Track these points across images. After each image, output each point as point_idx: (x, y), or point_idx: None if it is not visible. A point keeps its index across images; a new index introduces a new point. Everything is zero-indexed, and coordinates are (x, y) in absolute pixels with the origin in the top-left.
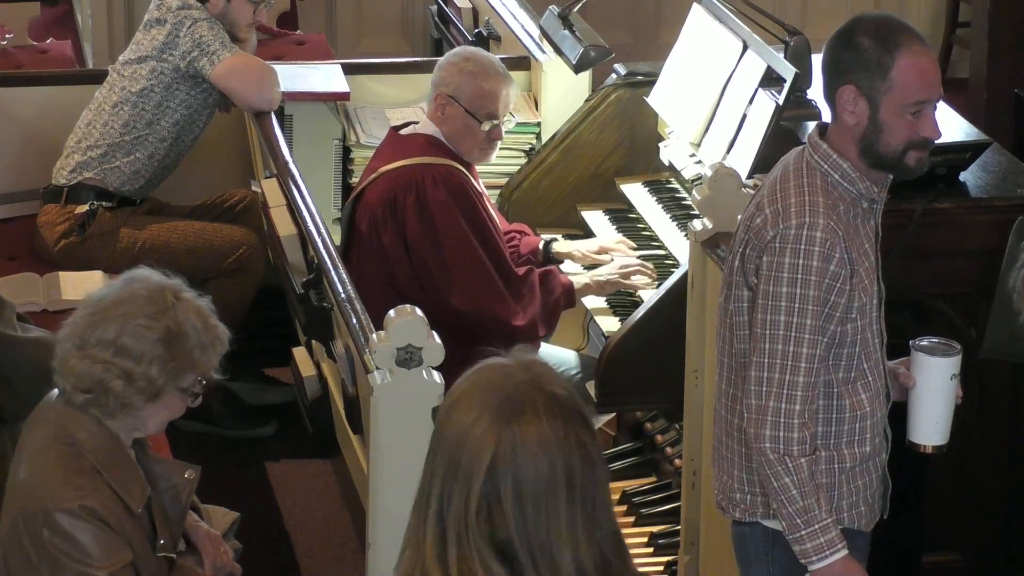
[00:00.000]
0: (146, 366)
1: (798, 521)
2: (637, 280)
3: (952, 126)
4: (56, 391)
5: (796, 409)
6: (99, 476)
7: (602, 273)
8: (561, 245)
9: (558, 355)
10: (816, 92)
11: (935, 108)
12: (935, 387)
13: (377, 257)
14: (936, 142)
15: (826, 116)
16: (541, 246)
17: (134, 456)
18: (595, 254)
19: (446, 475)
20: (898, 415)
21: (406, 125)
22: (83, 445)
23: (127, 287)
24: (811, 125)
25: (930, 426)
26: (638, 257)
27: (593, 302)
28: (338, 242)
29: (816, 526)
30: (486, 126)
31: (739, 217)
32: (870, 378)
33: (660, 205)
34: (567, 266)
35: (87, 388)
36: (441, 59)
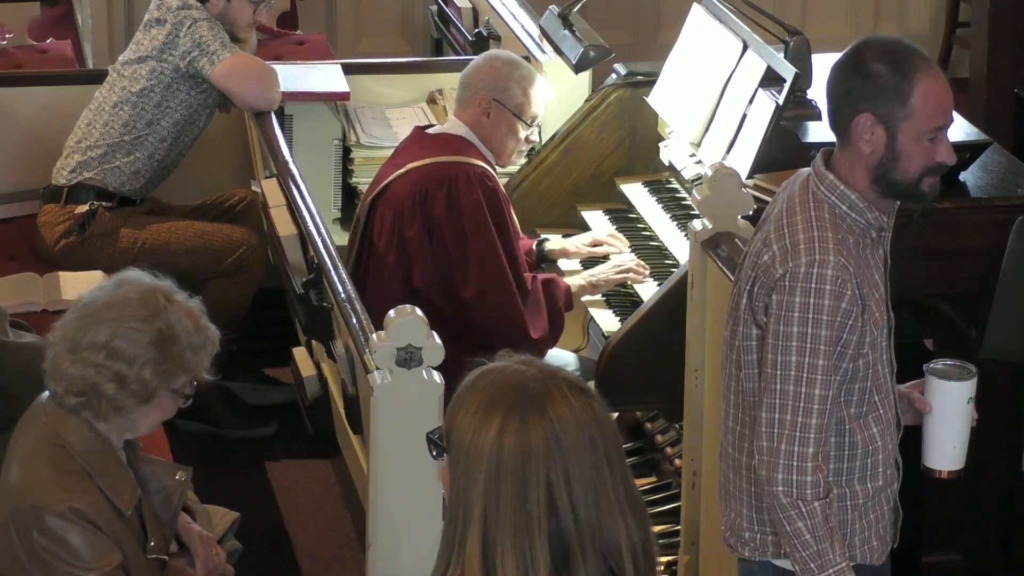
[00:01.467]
0: (139, 369)
1: (812, 566)
2: (632, 276)
3: (952, 126)
4: (47, 393)
5: (809, 452)
6: (89, 478)
7: (596, 273)
8: (554, 243)
9: (559, 357)
10: (815, 92)
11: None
12: (951, 412)
13: (397, 254)
14: None
15: (819, 126)
16: (535, 246)
17: (124, 458)
18: (588, 247)
19: (487, 486)
20: (906, 438)
21: (431, 126)
22: (73, 447)
23: (118, 290)
24: (811, 125)
25: (947, 451)
26: (632, 253)
27: (593, 302)
28: (339, 242)
29: (830, 570)
30: (525, 130)
31: (738, 221)
32: (881, 410)
33: (660, 205)
34: (563, 264)
35: (79, 391)
36: (479, 63)
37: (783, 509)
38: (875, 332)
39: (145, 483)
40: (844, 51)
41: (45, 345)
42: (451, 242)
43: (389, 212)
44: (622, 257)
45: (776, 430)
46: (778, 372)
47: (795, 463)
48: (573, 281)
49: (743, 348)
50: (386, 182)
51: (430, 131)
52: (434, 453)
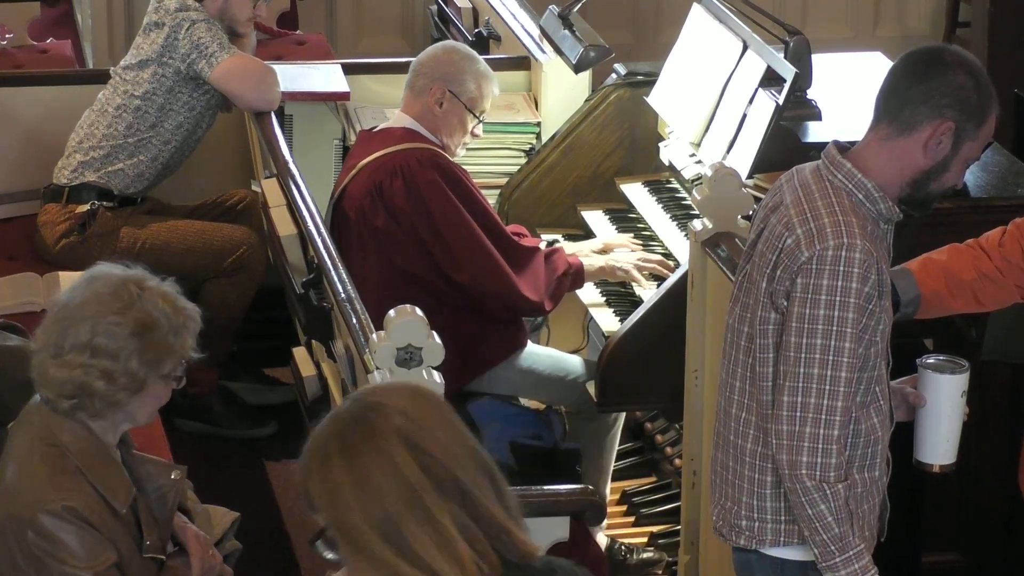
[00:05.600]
0: (124, 361)
1: (833, 548)
2: (650, 278)
3: None
4: (39, 396)
5: (835, 434)
6: (83, 477)
7: (619, 259)
8: (565, 247)
9: (566, 362)
10: (815, 92)
11: None
12: (945, 406)
13: (372, 248)
14: None
15: (825, 118)
16: (543, 247)
17: (119, 457)
18: (598, 252)
19: (361, 500)
20: (895, 435)
21: (374, 128)
22: (67, 446)
23: (90, 287)
24: (811, 125)
25: (940, 445)
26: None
27: (593, 302)
28: None
29: (851, 552)
30: (474, 123)
31: (752, 233)
32: (881, 402)
33: (660, 205)
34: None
35: (70, 394)
36: (437, 52)
37: (806, 492)
38: (886, 321)
39: (141, 482)
40: (922, 49)
41: (31, 347)
42: (423, 228)
43: (352, 210)
44: (647, 254)
45: (799, 413)
46: (802, 355)
47: (820, 446)
48: (591, 261)
49: (759, 332)
50: (342, 186)
51: (374, 130)
52: (327, 554)
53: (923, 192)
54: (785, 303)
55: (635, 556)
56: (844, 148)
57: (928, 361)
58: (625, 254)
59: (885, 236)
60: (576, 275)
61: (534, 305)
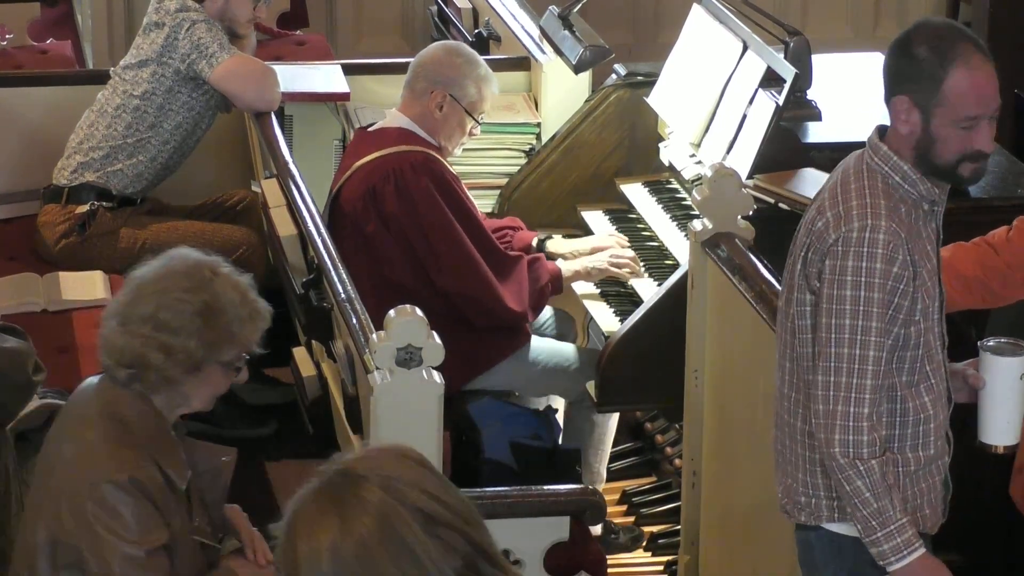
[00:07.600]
0: (184, 339)
1: (873, 523)
2: (625, 271)
3: None
4: (95, 378)
5: (865, 412)
6: (146, 451)
7: (591, 261)
8: (555, 244)
9: (560, 350)
10: (815, 93)
11: (993, 120)
12: (1005, 387)
13: (364, 253)
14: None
15: (825, 119)
16: (535, 243)
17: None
18: (588, 254)
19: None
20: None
21: (371, 125)
22: (131, 421)
23: (166, 264)
24: (811, 125)
25: (1002, 426)
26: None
27: (593, 302)
28: None
29: (892, 527)
30: (472, 124)
31: (802, 221)
32: (933, 381)
33: (660, 205)
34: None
35: (128, 363)
36: (439, 55)
37: (842, 470)
38: (927, 301)
39: (193, 464)
40: (896, 39)
41: (29, 350)
42: (412, 234)
43: (346, 212)
44: (619, 251)
45: (832, 392)
46: (832, 335)
47: (851, 423)
48: (567, 266)
49: (797, 314)
50: (338, 186)
51: (370, 129)
52: None
53: (931, 166)
54: (818, 284)
55: (624, 536)
56: (884, 131)
57: (988, 343)
58: (597, 255)
59: (934, 217)
60: (555, 282)
61: (517, 316)
